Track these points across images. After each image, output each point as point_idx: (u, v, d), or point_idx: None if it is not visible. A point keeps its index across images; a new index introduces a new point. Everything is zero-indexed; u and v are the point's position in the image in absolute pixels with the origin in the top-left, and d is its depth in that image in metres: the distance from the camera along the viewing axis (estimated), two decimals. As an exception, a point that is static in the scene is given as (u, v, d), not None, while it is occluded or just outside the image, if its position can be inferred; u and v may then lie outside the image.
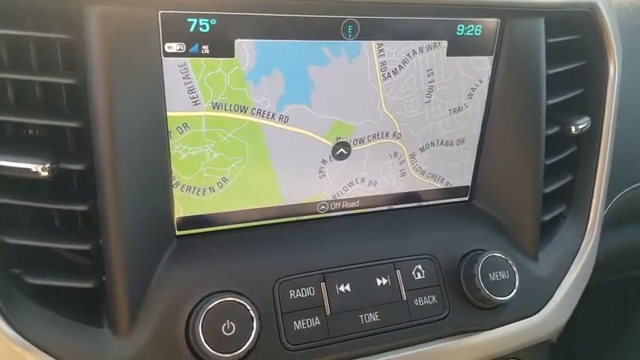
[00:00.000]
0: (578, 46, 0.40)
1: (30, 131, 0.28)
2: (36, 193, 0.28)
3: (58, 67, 0.28)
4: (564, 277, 0.40)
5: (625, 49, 0.41)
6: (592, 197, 0.42)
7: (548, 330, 0.39)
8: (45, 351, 0.27)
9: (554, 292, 0.40)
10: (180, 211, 0.32)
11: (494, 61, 0.36)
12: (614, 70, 0.40)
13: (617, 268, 0.66)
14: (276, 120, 0.32)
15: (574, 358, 0.76)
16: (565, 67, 0.39)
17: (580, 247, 0.42)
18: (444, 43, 0.34)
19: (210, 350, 0.27)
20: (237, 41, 0.29)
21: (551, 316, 0.39)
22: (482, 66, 0.36)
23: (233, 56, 0.30)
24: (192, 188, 0.32)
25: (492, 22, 0.35)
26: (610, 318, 0.75)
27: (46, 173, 0.26)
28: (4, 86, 0.27)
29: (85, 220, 0.30)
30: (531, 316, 0.38)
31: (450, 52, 0.35)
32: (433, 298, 0.34)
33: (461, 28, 0.34)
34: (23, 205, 0.28)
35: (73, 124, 0.27)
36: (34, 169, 0.26)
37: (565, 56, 0.39)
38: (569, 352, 0.76)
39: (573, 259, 0.41)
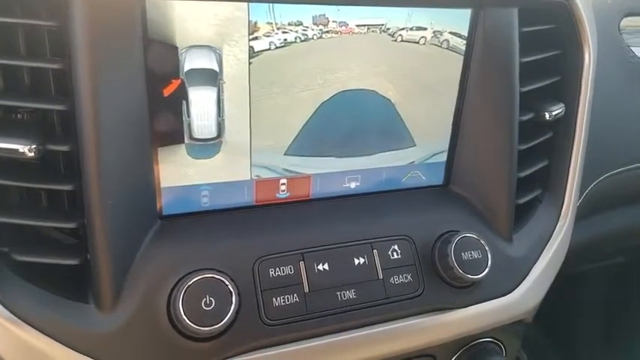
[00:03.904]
0: (554, 35, 0.41)
1: (18, 115, 0.30)
2: (24, 174, 0.29)
3: (46, 53, 0.29)
4: (538, 258, 0.42)
5: (601, 37, 0.43)
6: (567, 182, 0.43)
7: (522, 309, 0.41)
8: (32, 325, 0.28)
9: (527, 273, 0.41)
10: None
11: (468, 49, 0.38)
12: (589, 60, 0.41)
13: (599, 255, 0.68)
14: (256, 105, 0.33)
15: (569, 344, 0.78)
16: (540, 56, 0.40)
17: (554, 230, 0.43)
18: (419, 31, 0.36)
19: (190, 324, 0.29)
20: (217, 28, 0.31)
21: (525, 295, 0.41)
22: (456, 53, 0.38)
23: (213, 43, 0.31)
24: (176, 171, 0.33)
25: (467, 11, 0.36)
26: (602, 303, 0.77)
27: (32, 154, 0.27)
28: (-7, 71, 0.28)
29: (70, 200, 0.31)
30: (505, 295, 0.40)
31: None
32: (408, 277, 0.36)
33: (435, 16, 0.36)
34: (11, 184, 0.29)
35: (59, 107, 0.28)
36: (20, 150, 0.27)
37: (540, 45, 0.40)
38: (560, 339, 0.77)
39: (547, 242, 0.43)
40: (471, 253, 0.36)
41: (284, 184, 0.37)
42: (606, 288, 0.78)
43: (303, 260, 0.34)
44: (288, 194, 0.37)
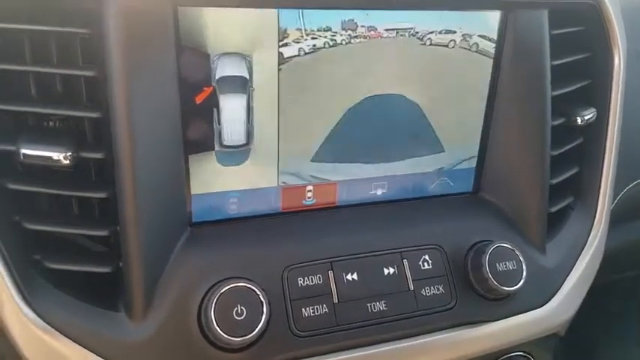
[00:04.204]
0: (584, 38, 0.40)
1: (50, 123, 0.30)
2: (56, 182, 0.29)
3: (78, 61, 0.29)
4: (572, 269, 0.40)
5: (628, 41, 0.42)
6: (599, 189, 0.42)
7: (556, 322, 0.39)
8: (63, 333, 0.28)
9: (561, 284, 0.40)
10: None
11: (497, 52, 0.37)
12: (619, 62, 0.40)
13: (628, 264, 0.66)
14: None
15: (580, 355, 0.75)
16: (570, 59, 0.39)
17: (588, 239, 0.42)
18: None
19: (222, 334, 0.28)
20: (250, 35, 0.31)
21: (559, 308, 0.39)
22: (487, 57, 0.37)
23: (245, 50, 0.31)
24: (205, 178, 0.33)
25: (496, 14, 0.36)
26: (620, 316, 0.74)
27: (67, 161, 0.27)
28: (27, 79, 0.28)
29: (101, 208, 0.31)
30: (539, 307, 0.38)
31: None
32: (440, 288, 0.35)
33: (465, 21, 0.35)
34: (45, 192, 0.29)
35: (93, 115, 0.28)
36: (55, 157, 0.27)
37: (570, 47, 0.40)
38: (576, 348, 0.75)
39: (581, 251, 0.41)
40: (505, 264, 0.35)
41: (310, 190, 0.36)
42: (629, 301, 0.75)
43: (332, 269, 0.33)
44: (314, 201, 0.37)
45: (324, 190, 0.37)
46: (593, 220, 0.42)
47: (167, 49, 0.29)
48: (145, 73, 0.28)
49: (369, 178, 0.38)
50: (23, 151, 0.27)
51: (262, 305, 0.29)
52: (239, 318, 0.28)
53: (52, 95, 0.29)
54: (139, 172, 0.28)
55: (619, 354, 0.74)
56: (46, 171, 0.29)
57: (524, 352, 0.41)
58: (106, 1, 0.27)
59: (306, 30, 0.32)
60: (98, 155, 0.29)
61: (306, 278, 0.32)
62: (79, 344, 0.28)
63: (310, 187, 0.36)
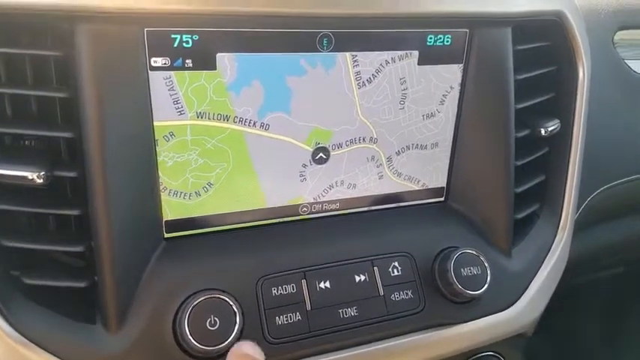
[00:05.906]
0: (548, 52, 0.42)
1: (26, 142, 0.30)
2: (32, 200, 0.30)
3: (52, 82, 0.30)
4: (537, 272, 0.42)
5: (596, 51, 0.43)
6: (564, 196, 0.44)
7: (521, 323, 0.41)
8: (40, 346, 0.29)
9: (527, 287, 0.41)
10: (168, 214, 0.34)
11: (464, 69, 0.38)
12: (583, 75, 0.42)
13: (600, 266, 0.68)
14: (258, 127, 0.34)
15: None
16: (534, 73, 0.41)
17: (553, 244, 0.44)
18: (416, 53, 0.36)
19: (196, 343, 0.29)
20: (219, 55, 0.32)
21: (524, 309, 0.41)
22: (452, 74, 0.38)
23: (215, 69, 0.32)
24: (179, 193, 0.34)
25: (461, 32, 0.37)
26: (602, 316, 0.77)
27: (41, 180, 0.28)
28: (2, 100, 0.29)
29: (77, 224, 0.32)
30: (505, 309, 0.40)
31: (421, 62, 0.37)
32: (409, 293, 0.36)
33: (431, 38, 0.37)
34: (21, 210, 0.29)
35: (66, 135, 0.29)
36: (30, 177, 0.28)
37: (535, 62, 0.41)
38: (564, 350, 0.78)
39: (546, 256, 0.43)
40: (470, 269, 0.36)
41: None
42: (605, 298, 0.78)
43: (305, 279, 0.34)
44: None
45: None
46: (558, 226, 0.44)
47: (137, 70, 0.29)
48: (117, 93, 0.29)
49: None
50: (-2, 171, 0.28)
51: (235, 315, 0.30)
52: (212, 328, 0.30)
53: (26, 115, 0.30)
54: (112, 190, 0.29)
55: (589, 353, 0.77)
56: (21, 189, 0.29)
57: (494, 351, 0.43)
58: (77, 23, 0.28)
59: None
60: (72, 174, 0.29)
61: (279, 288, 0.33)
62: (56, 357, 0.29)
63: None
